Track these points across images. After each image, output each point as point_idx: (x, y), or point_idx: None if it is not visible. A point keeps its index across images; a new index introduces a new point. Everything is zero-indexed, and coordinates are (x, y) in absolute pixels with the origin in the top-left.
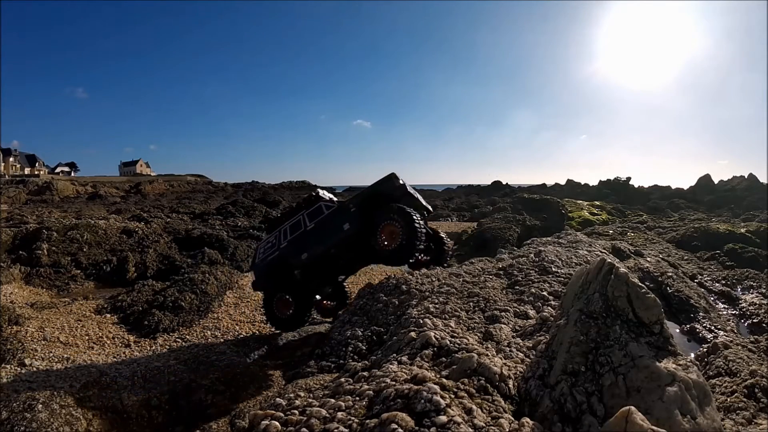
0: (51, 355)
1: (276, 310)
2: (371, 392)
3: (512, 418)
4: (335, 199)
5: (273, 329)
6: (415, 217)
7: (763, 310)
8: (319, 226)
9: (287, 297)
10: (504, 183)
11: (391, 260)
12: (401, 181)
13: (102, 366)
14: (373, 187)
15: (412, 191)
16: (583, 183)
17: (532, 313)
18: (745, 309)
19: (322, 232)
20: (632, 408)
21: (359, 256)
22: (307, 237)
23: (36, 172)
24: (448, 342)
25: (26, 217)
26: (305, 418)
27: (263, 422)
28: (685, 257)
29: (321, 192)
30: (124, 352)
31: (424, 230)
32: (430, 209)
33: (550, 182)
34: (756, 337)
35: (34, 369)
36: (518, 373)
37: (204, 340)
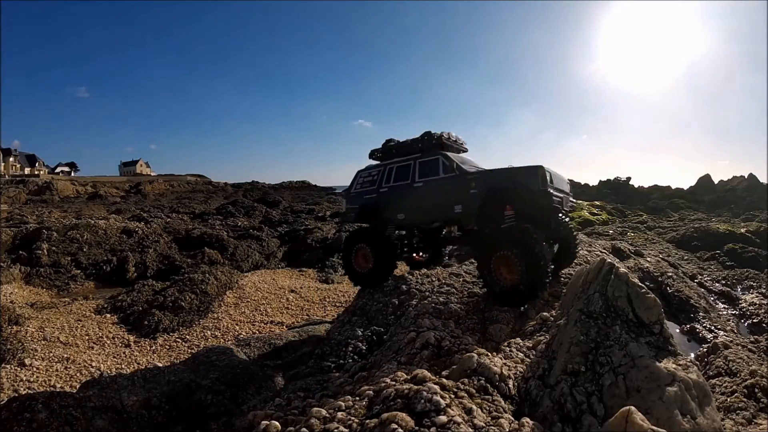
0: (51, 355)
1: (354, 262)
2: (371, 392)
3: (512, 418)
4: (463, 154)
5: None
6: (541, 253)
7: (763, 310)
8: (428, 189)
9: (369, 250)
10: None
11: (503, 299)
12: (549, 188)
13: (102, 366)
14: (507, 176)
15: (558, 195)
16: (583, 183)
17: (532, 313)
18: (745, 309)
19: (429, 198)
20: (632, 408)
21: (465, 240)
22: (410, 194)
23: (36, 172)
24: (448, 342)
25: (26, 217)
26: (305, 418)
27: (263, 422)
28: (685, 257)
29: (446, 135)
30: (124, 352)
31: (550, 268)
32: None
33: None
34: (756, 337)
35: (34, 369)
36: (518, 373)
37: (204, 340)
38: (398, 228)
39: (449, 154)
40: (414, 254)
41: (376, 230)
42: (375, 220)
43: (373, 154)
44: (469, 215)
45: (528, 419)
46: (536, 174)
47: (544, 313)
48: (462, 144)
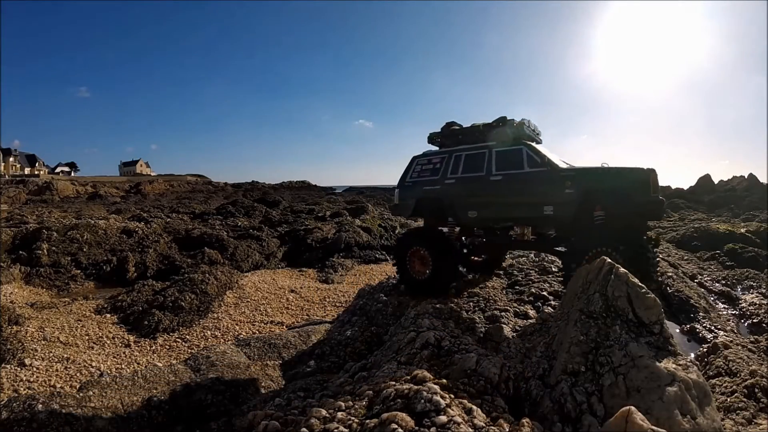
0: (51, 355)
1: (409, 266)
2: (371, 392)
3: (512, 418)
4: (538, 143)
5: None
6: (656, 267)
7: (763, 310)
8: (510, 184)
9: (426, 252)
10: None
11: None
12: (660, 195)
13: (102, 366)
14: (613, 178)
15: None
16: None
17: (532, 313)
18: (745, 309)
19: (511, 195)
20: (632, 408)
21: (542, 245)
22: (486, 189)
23: (36, 172)
24: (448, 342)
25: (26, 217)
26: (305, 418)
27: (263, 422)
28: (685, 257)
29: (527, 123)
30: (124, 352)
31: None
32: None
33: None
34: (756, 337)
35: (34, 369)
36: (518, 373)
37: (204, 340)
38: (464, 227)
39: (534, 144)
40: (473, 257)
41: (436, 230)
42: (437, 216)
43: (432, 139)
44: (560, 219)
45: (528, 419)
46: (648, 178)
47: (544, 313)
48: (539, 135)
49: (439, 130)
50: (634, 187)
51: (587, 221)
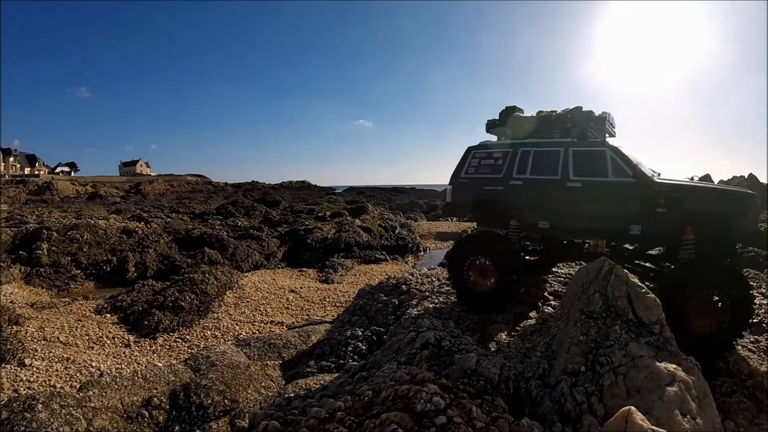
0: (51, 355)
1: (468, 279)
2: (371, 392)
3: (512, 418)
4: (620, 149)
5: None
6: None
7: (763, 310)
8: (591, 194)
9: (489, 262)
10: None
11: (707, 345)
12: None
13: (102, 366)
14: (714, 199)
15: None
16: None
17: (532, 313)
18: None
19: (592, 207)
20: (632, 408)
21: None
22: (561, 197)
23: (36, 172)
24: (448, 342)
25: (26, 217)
26: (305, 418)
27: (263, 422)
28: None
29: (609, 119)
30: (124, 352)
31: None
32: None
33: None
34: (756, 337)
35: (34, 369)
36: (518, 373)
37: (204, 340)
38: (529, 236)
39: (619, 147)
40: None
41: (501, 235)
42: (498, 221)
43: (493, 125)
44: (649, 241)
45: (528, 419)
46: (751, 203)
47: (544, 313)
48: (614, 133)
49: (497, 117)
50: (734, 213)
51: (680, 246)
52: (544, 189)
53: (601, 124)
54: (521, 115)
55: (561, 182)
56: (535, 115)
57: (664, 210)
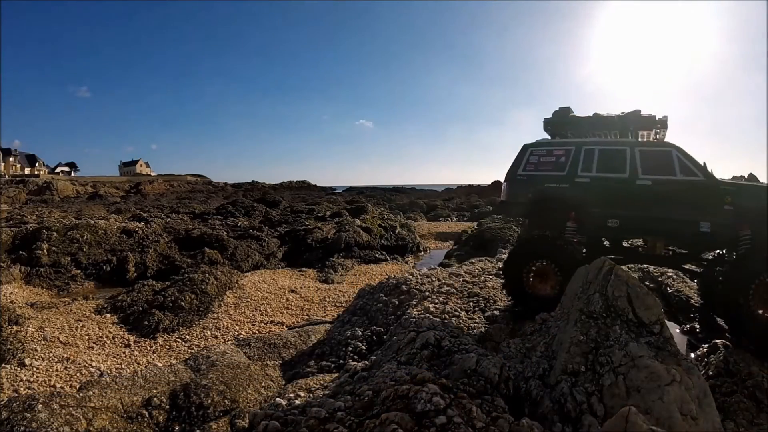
0: (51, 355)
1: (526, 283)
2: (371, 392)
3: (512, 418)
4: (684, 149)
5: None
6: None
7: None
8: (661, 192)
9: (551, 266)
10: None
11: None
12: None
13: (102, 366)
14: (766, 195)
15: None
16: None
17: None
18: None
19: (664, 206)
20: (632, 408)
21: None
22: (631, 195)
23: (36, 172)
24: (448, 342)
25: (26, 217)
26: (305, 418)
27: (263, 422)
28: None
29: (662, 120)
30: (124, 352)
31: None
32: None
33: None
34: None
35: (34, 369)
36: (518, 373)
37: (204, 340)
38: (593, 236)
39: (685, 149)
40: None
41: (563, 237)
42: (558, 221)
43: (554, 124)
44: (717, 238)
45: (528, 419)
46: None
47: (544, 313)
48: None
49: (551, 116)
50: None
51: (738, 243)
52: (613, 186)
53: (663, 126)
54: (579, 115)
55: (630, 180)
56: (591, 115)
57: (731, 207)
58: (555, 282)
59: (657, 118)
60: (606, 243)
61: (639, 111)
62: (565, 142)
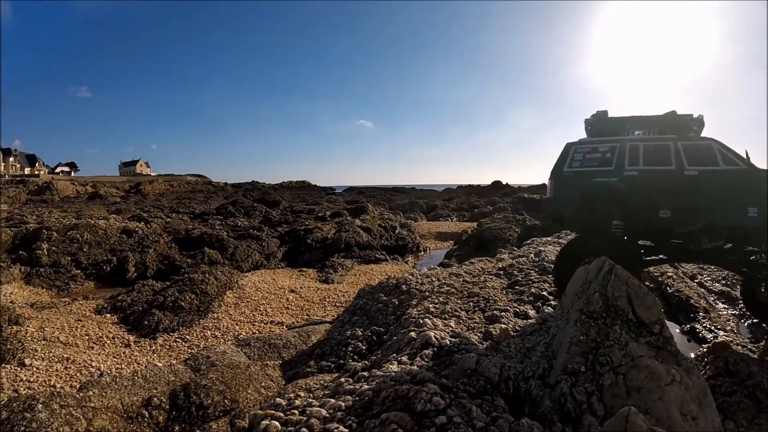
0: (51, 355)
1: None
2: (371, 392)
3: (512, 418)
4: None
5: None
6: None
7: None
8: (708, 181)
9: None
10: (504, 183)
11: None
12: None
13: (102, 366)
14: None
15: None
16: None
17: (532, 313)
18: (745, 309)
19: (712, 194)
20: (632, 408)
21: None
22: (681, 186)
23: (36, 172)
24: (448, 342)
25: (26, 217)
26: (305, 418)
27: (263, 422)
28: None
29: (699, 119)
30: (124, 352)
31: None
32: None
33: None
34: (756, 337)
35: (34, 369)
36: (518, 373)
37: (204, 340)
38: (642, 229)
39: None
40: None
41: (619, 234)
42: (605, 217)
43: (598, 124)
44: (763, 223)
45: (528, 419)
46: None
47: (544, 313)
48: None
49: (590, 117)
50: None
51: None
52: (663, 177)
53: (700, 124)
54: (619, 116)
55: (677, 171)
56: (631, 116)
57: None
58: None
59: (693, 117)
60: (647, 244)
61: (675, 111)
62: (609, 139)
